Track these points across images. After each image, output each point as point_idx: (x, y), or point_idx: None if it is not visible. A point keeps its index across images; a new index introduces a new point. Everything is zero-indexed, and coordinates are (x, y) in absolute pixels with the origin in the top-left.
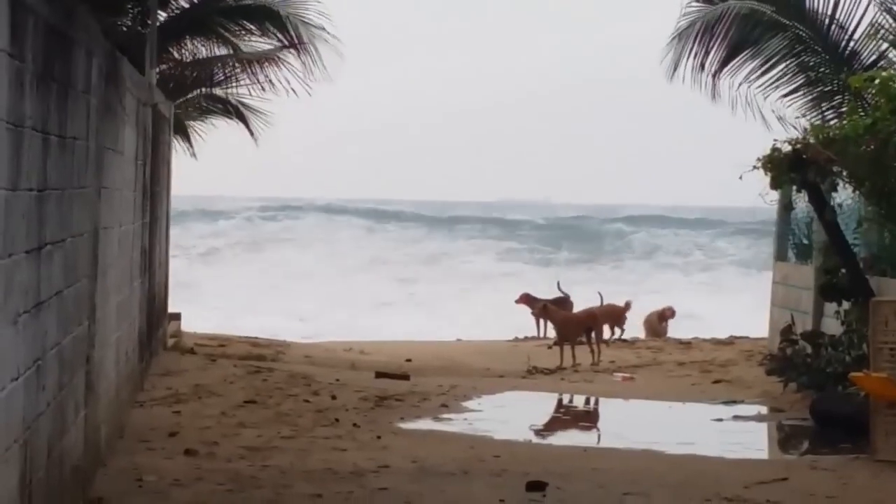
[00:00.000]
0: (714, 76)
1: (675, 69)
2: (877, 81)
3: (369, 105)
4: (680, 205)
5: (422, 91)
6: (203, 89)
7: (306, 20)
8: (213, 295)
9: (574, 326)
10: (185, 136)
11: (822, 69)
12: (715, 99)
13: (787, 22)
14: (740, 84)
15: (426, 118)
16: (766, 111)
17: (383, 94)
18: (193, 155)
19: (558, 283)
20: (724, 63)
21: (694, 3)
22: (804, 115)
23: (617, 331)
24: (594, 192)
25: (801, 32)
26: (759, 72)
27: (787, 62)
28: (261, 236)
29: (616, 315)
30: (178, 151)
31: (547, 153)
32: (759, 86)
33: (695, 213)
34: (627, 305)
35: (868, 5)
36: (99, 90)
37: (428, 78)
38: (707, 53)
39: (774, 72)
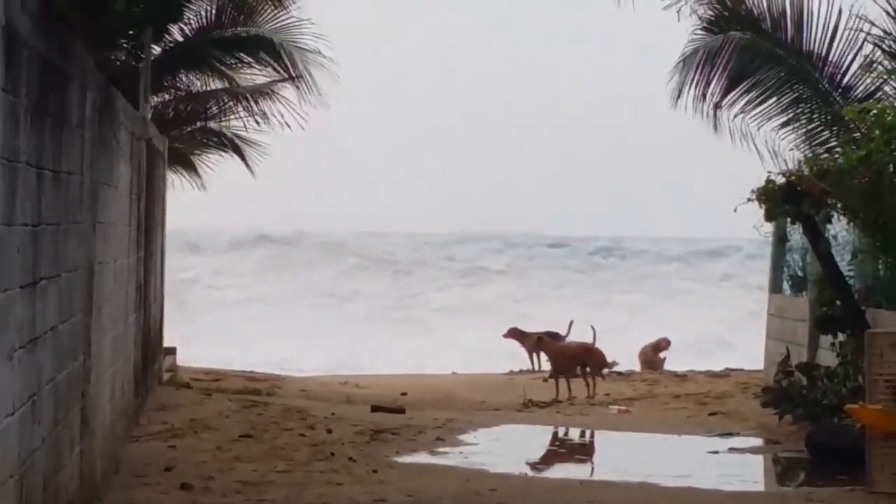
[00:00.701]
0: (716, 107)
1: (678, 96)
2: (872, 113)
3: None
4: (693, 236)
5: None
6: (199, 123)
7: (301, 45)
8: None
9: (569, 359)
10: (193, 169)
11: (817, 101)
12: (717, 130)
13: (784, 54)
14: (736, 115)
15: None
16: (759, 143)
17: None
18: (202, 187)
19: (570, 324)
20: (725, 93)
21: (699, 31)
22: (797, 148)
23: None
24: (589, 222)
25: (796, 65)
26: (756, 102)
27: (783, 94)
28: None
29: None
30: (183, 185)
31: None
32: (754, 116)
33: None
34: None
35: (863, 42)
36: (93, 124)
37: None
38: (708, 83)
39: (769, 103)
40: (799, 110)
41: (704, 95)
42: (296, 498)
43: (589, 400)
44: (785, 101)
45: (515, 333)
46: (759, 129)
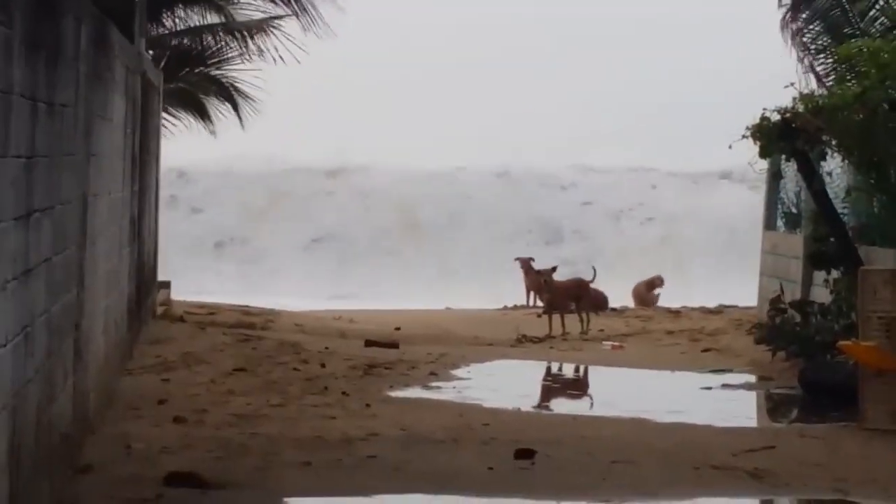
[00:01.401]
0: None
1: None
2: (865, 50)
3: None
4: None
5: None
6: (197, 69)
7: None
8: None
9: (563, 295)
10: (204, 113)
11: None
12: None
13: None
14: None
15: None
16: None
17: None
18: (213, 133)
19: (594, 270)
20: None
21: None
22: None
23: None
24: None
25: None
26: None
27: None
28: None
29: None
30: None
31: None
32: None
33: None
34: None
35: None
36: (88, 57)
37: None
38: None
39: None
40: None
41: None
42: (289, 431)
43: (582, 336)
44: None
45: (525, 264)
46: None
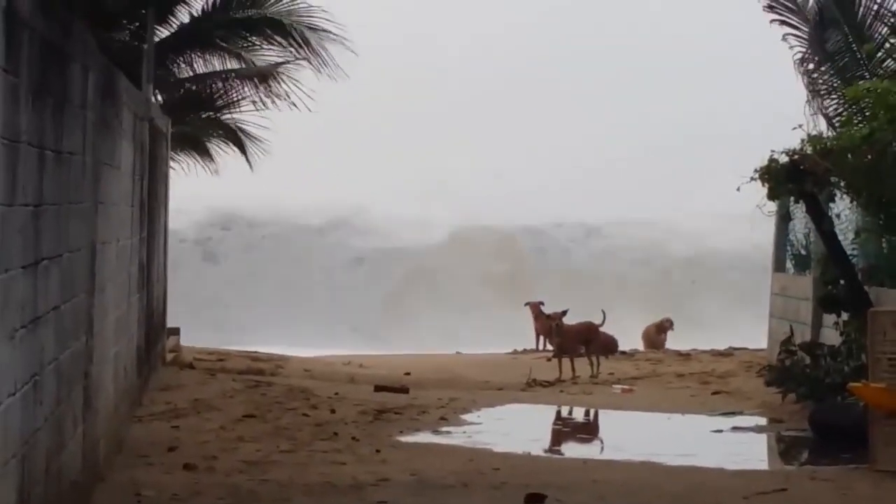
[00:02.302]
0: None
1: None
2: (874, 91)
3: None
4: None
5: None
6: (204, 114)
7: (312, 26)
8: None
9: (573, 339)
10: (206, 154)
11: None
12: None
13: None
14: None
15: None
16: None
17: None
18: (216, 172)
19: (603, 314)
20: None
21: None
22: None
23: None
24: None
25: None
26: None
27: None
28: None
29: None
30: (197, 171)
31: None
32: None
33: None
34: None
35: None
36: (95, 105)
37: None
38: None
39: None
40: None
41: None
42: (299, 477)
43: (592, 379)
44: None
45: (536, 308)
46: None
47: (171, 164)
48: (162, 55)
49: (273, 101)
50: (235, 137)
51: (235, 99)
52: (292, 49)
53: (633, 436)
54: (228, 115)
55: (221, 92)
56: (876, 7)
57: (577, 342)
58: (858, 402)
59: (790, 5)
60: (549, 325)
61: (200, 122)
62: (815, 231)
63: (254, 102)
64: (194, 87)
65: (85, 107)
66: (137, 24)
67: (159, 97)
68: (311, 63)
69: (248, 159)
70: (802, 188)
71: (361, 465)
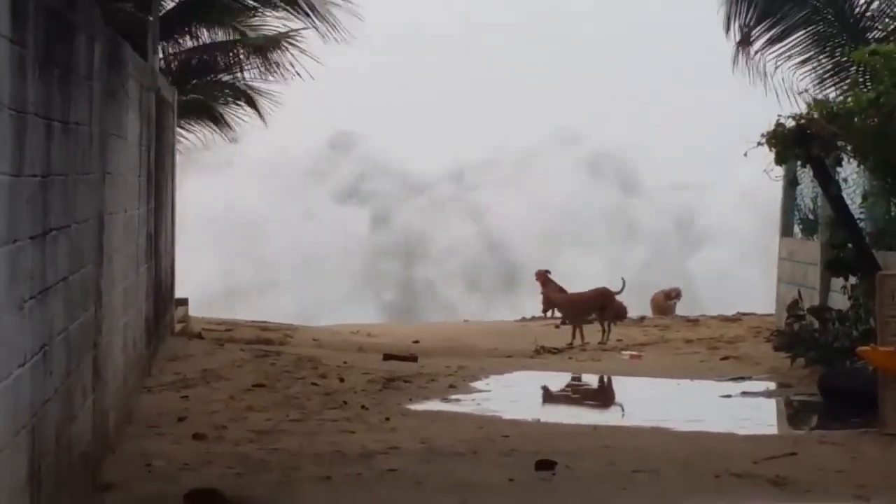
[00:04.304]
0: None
1: (727, 28)
2: (880, 55)
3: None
4: None
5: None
6: (209, 76)
7: None
8: None
9: (583, 305)
10: (220, 121)
11: (837, 40)
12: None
13: None
14: (756, 52)
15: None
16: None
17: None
18: (234, 140)
19: (623, 281)
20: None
21: None
22: (816, 87)
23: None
24: None
25: (818, 4)
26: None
27: (803, 31)
28: None
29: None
30: (214, 138)
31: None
32: (774, 53)
33: None
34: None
35: None
36: (101, 75)
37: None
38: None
39: (789, 40)
40: (818, 49)
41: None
42: (308, 446)
43: (601, 345)
44: (804, 39)
45: (542, 276)
46: (776, 68)
47: (188, 135)
48: (165, 26)
49: (279, 71)
50: (246, 97)
51: (242, 67)
52: (300, 16)
53: (642, 401)
54: (231, 77)
55: (228, 61)
56: None
57: (586, 309)
58: (867, 365)
59: None
60: (556, 291)
61: (208, 86)
62: (823, 195)
63: (258, 71)
64: (202, 57)
65: (91, 77)
66: None
67: (162, 65)
68: (317, 30)
69: (261, 115)
70: (809, 152)
71: (371, 433)
